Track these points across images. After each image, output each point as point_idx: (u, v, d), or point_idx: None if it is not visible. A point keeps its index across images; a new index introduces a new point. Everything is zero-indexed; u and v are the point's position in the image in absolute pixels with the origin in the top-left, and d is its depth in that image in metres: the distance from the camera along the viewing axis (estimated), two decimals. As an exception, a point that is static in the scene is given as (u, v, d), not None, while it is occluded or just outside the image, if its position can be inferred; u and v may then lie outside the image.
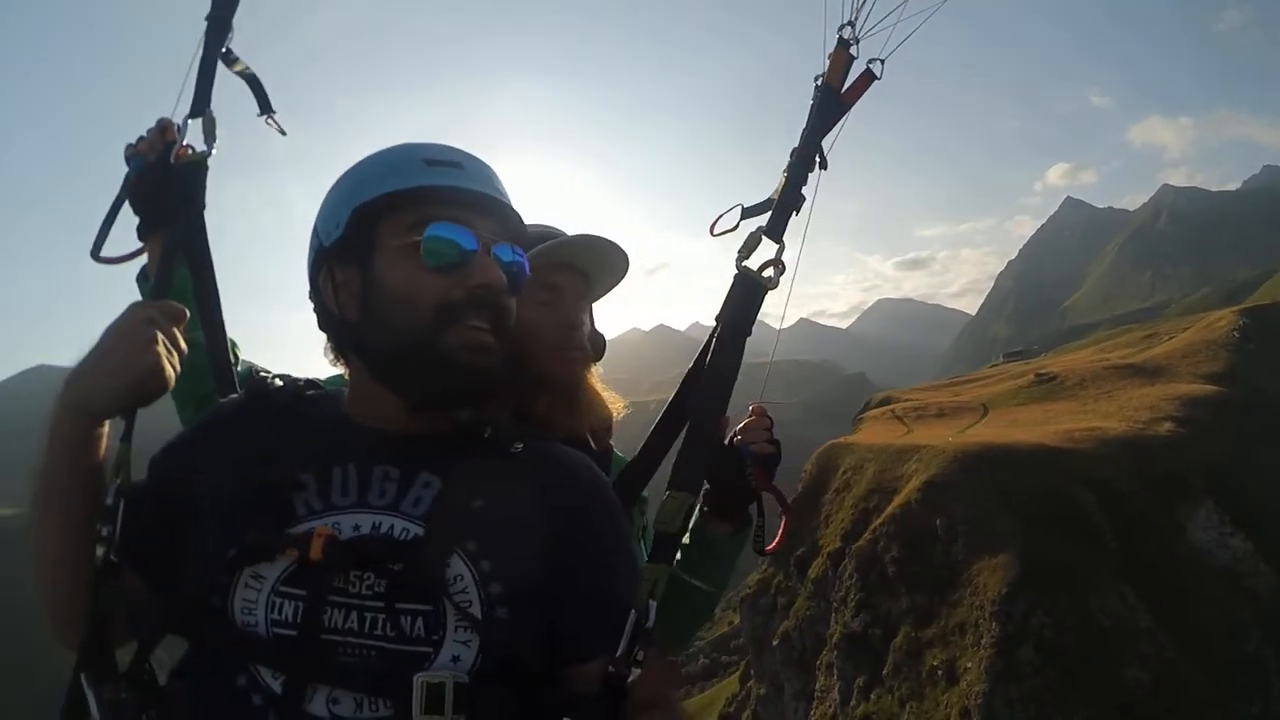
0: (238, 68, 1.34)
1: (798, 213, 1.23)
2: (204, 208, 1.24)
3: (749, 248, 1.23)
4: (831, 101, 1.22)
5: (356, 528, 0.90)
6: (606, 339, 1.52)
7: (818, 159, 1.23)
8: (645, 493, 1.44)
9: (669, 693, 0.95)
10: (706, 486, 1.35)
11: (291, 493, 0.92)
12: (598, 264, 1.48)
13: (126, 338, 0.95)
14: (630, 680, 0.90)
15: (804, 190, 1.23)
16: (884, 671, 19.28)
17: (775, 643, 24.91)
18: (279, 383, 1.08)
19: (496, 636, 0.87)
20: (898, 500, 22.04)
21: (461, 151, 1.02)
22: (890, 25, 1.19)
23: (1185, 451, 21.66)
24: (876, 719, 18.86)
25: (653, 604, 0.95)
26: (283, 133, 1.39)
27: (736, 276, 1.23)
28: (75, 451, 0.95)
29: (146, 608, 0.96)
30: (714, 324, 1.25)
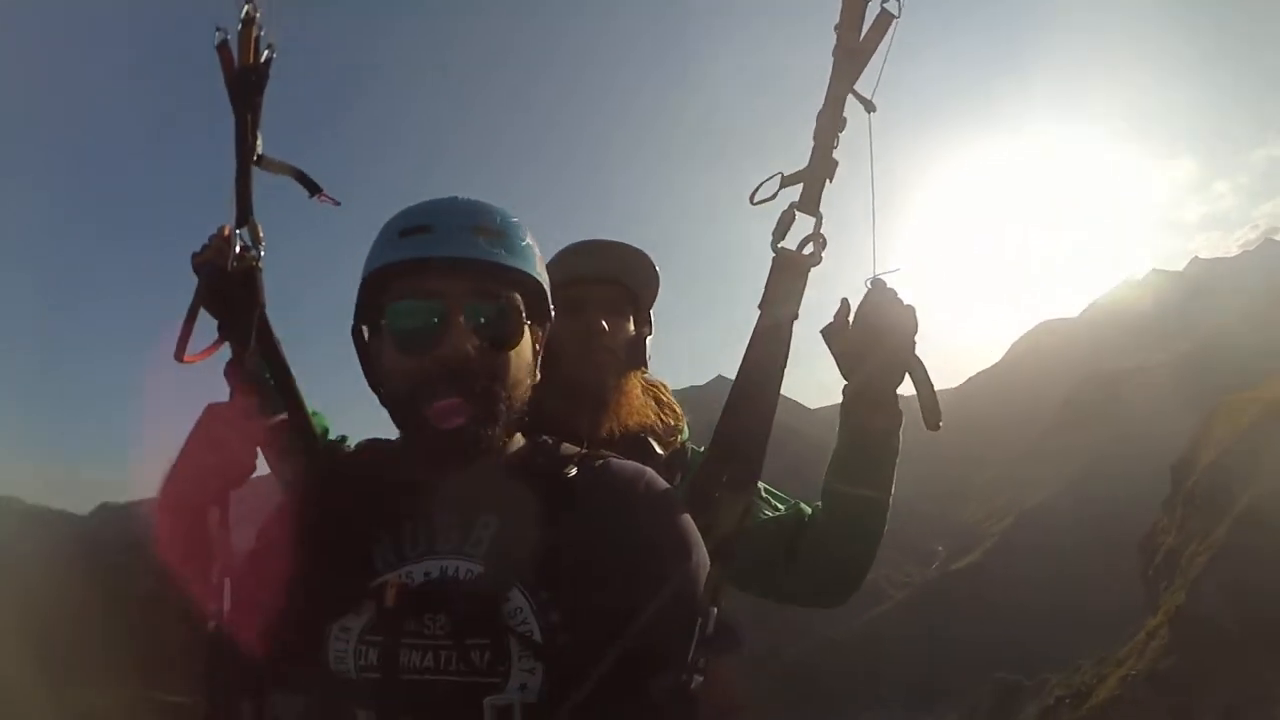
0: (274, 169, 1.29)
1: (831, 180, 1.14)
2: (264, 307, 1.24)
3: (784, 226, 1.16)
4: (850, 49, 1.13)
5: (427, 574, 0.98)
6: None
7: (863, 103, 1.13)
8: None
9: (735, 697, 0.99)
10: (846, 383, 1.32)
11: (370, 549, 1.01)
12: (618, 270, 1.51)
13: (202, 437, 1.07)
14: (696, 688, 0.94)
15: (835, 154, 1.14)
16: (1175, 571, 26.70)
17: (1164, 585, 31.73)
18: (351, 448, 1.21)
19: (560, 662, 0.92)
20: (1216, 449, 27.74)
21: (438, 208, 1.05)
22: None
23: None
24: (1163, 601, 26.36)
25: (714, 610, 0.98)
26: (336, 203, 1.33)
27: (774, 258, 1.17)
28: (185, 543, 1.06)
29: (257, 667, 1.01)
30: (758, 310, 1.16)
